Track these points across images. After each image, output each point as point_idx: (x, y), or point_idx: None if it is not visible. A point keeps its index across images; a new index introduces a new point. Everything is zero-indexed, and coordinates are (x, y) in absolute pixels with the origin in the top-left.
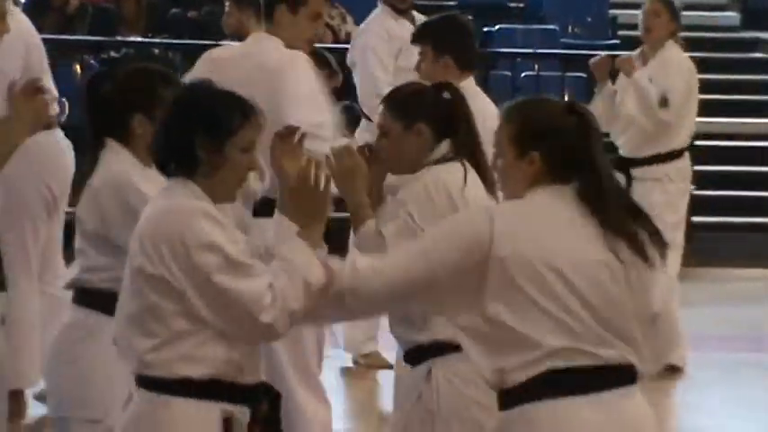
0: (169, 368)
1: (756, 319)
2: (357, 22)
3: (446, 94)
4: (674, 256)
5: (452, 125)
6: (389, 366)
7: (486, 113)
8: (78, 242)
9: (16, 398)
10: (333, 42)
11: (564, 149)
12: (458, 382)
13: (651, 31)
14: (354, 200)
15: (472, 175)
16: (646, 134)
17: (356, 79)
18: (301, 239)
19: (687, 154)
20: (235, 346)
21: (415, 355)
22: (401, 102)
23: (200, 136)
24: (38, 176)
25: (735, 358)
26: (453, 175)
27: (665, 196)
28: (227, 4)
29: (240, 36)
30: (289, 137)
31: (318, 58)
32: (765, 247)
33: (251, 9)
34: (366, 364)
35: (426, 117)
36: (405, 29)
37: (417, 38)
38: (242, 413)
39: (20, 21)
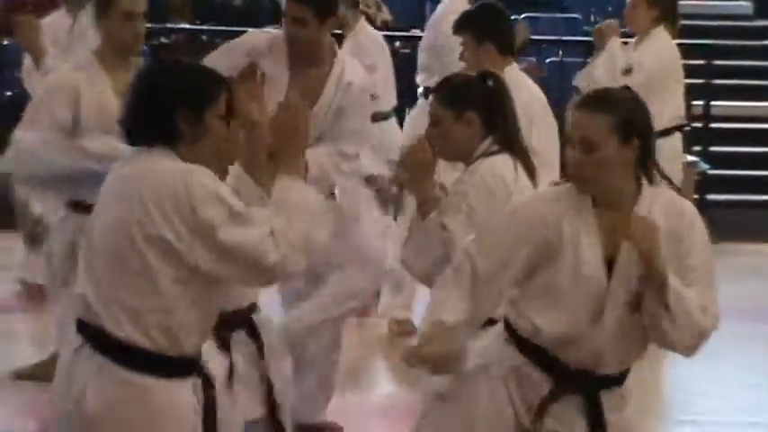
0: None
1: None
2: (391, 11)
3: (489, 83)
4: None
5: (497, 113)
6: None
7: (531, 95)
8: None
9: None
10: None
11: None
12: None
13: (632, 22)
14: (424, 195)
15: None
16: None
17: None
18: (287, 176)
19: (677, 135)
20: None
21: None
22: (450, 92)
23: (181, 108)
24: None
25: (742, 328)
26: (506, 167)
27: None
28: None
29: None
30: (251, 77)
31: None
32: None
33: None
34: (398, 331)
35: (475, 106)
36: None
37: (458, 28)
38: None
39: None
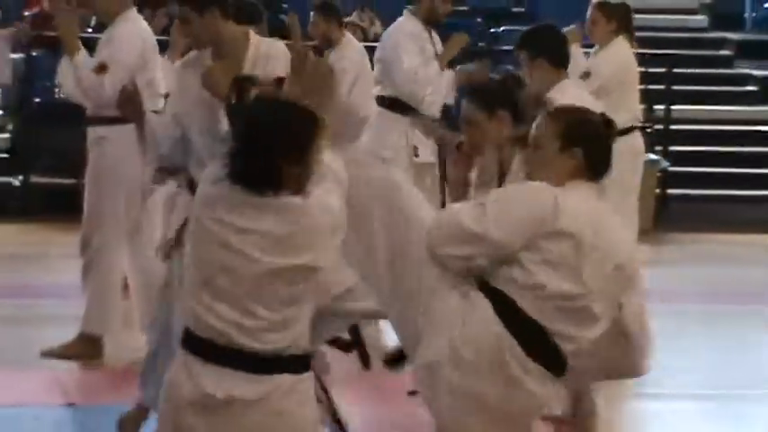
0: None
1: (716, 275)
2: (384, 25)
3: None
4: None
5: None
6: None
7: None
8: None
9: (93, 342)
10: (362, 41)
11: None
12: None
13: (592, 34)
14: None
15: None
16: None
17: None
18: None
19: (636, 134)
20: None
21: None
22: (483, 93)
23: (287, 159)
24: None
25: (702, 308)
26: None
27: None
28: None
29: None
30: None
31: None
32: (729, 215)
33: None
34: None
35: (505, 105)
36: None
37: (518, 46)
38: None
39: (136, 19)
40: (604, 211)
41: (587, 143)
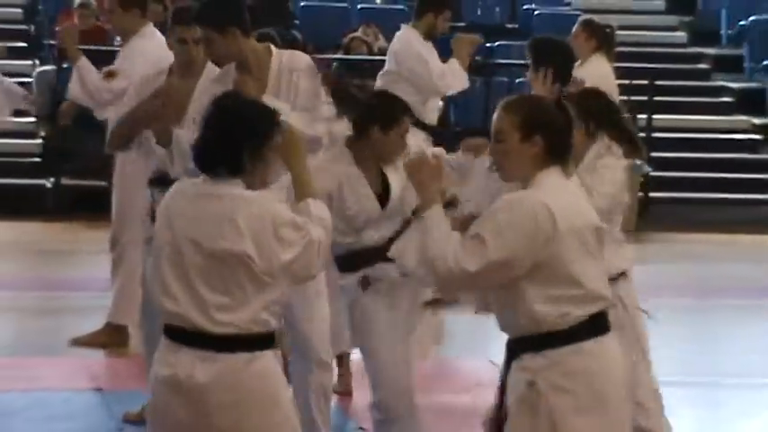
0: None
1: (694, 272)
2: (387, 40)
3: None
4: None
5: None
6: None
7: None
8: None
9: (119, 331)
10: (368, 55)
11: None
12: None
13: (574, 50)
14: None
15: None
16: None
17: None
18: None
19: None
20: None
21: None
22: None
23: (248, 146)
24: None
25: (679, 302)
26: None
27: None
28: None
29: None
30: None
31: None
32: (707, 216)
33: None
34: None
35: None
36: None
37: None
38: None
39: (151, 35)
40: (573, 188)
41: (545, 129)
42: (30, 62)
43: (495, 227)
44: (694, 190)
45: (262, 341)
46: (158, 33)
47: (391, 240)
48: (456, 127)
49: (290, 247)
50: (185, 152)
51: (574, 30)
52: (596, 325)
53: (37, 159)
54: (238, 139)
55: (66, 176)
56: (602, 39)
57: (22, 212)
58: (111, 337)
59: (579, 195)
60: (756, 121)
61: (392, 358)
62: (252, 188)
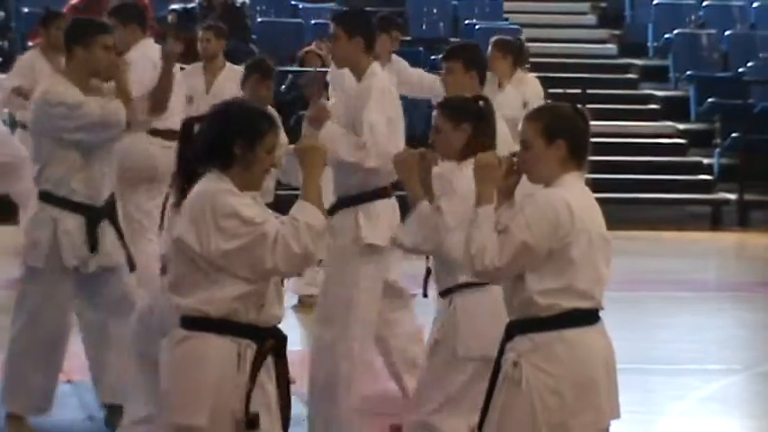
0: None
1: (625, 267)
2: None
3: (481, 103)
4: None
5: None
6: None
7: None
8: None
9: None
10: (321, 67)
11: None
12: (470, 305)
13: (494, 70)
14: (416, 190)
15: None
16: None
17: None
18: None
19: None
20: (243, 289)
21: (444, 293)
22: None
23: (239, 139)
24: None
25: (611, 295)
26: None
27: None
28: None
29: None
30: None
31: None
32: (637, 215)
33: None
34: (309, 302)
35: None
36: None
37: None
38: (248, 346)
39: (148, 47)
40: (591, 195)
41: (567, 132)
42: (4, 76)
43: (523, 220)
44: (623, 191)
45: (205, 324)
46: (155, 46)
47: None
48: None
49: (232, 239)
50: None
51: (488, 52)
52: (581, 317)
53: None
54: (228, 136)
55: None
56: (516, 52)
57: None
58: None
59: (595, 203)
60: (680, 126)
61: None
62: (246, 188)
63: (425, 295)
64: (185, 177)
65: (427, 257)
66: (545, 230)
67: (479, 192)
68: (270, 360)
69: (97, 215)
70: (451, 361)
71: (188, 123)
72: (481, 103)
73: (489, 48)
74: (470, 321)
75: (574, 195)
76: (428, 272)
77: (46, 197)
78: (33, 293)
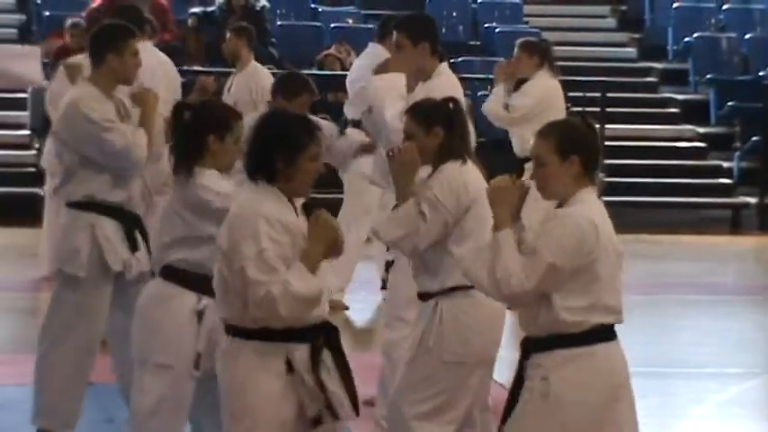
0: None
1: (645, 269)
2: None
3: (451, 105)
4: None
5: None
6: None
7: None
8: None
9: None
10: (341, 70)
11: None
12: (456, 311)
13: (519, 68)
14: (405, 188)
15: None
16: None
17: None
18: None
19: None
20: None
21: (426, 296)
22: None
23: (280, 154)
24: None
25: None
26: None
27: None
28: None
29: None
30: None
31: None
32: (656, 218)
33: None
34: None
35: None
36: None
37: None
38: (301, 350)
39: (149, 51)
40: (605, 211)
41: (579, 147)
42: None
43: (551, 242)
44: (643, 194)
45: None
46: (156, 50)
47: None
48: None
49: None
50: None
51: (515, 53)
52: (606, 332)
53: (32, 169)
54: (271, 148)
55: None
56: (543, 55)
57: (17, 219)
58: None
59: (607, 216)
60: (700, 129)
61: None
62: (293, 195)
63: (384, 287)
64: (186, 153)
65: (388, 248)
66: (572, 251)
67: (496, 215)
68: (326, 353)
69: (132, 219)
70: (437, 365)
71: (178, 108)
72: (451, 105)
73: (515, 49)
74: (457, 327)
75: (595, 212)
76: (388, 264)
77: (79, 204)
78: (69, 303)
